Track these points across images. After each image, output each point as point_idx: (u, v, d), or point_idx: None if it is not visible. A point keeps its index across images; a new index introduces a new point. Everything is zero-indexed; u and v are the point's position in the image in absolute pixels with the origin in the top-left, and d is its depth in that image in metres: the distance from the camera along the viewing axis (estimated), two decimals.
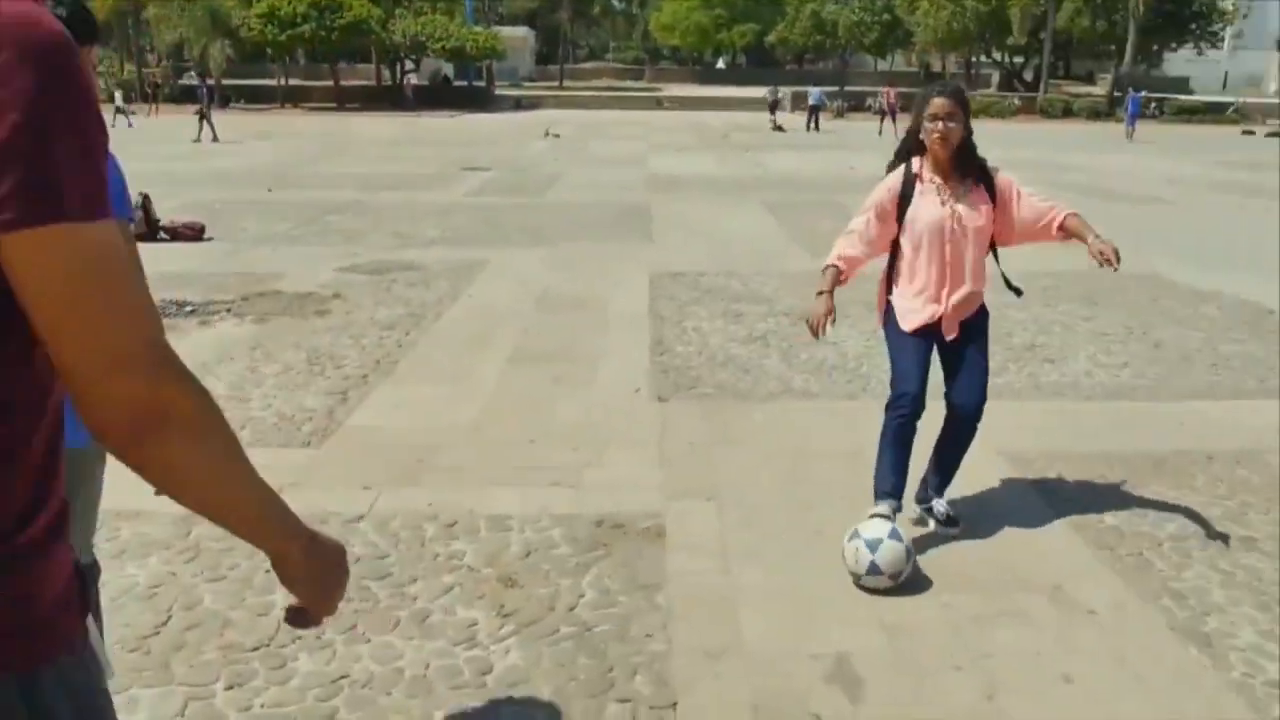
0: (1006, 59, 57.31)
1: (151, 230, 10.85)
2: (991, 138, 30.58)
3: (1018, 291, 4.01)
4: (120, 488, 4.15)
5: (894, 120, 31.66)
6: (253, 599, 3.42)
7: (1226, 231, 12.62)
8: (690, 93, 53.87)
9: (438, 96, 46.72)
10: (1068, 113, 44.83)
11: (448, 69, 52.54)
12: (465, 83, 51.55)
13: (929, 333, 3.82)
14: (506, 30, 59.99)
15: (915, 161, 3.83)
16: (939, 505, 3.99)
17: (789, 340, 6.80)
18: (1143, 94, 38.24)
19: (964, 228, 3.73)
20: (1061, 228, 3.76)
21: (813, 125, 33.09)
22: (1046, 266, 9.53)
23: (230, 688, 2.90)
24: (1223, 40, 56.53)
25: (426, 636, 3.20)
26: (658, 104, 48.42)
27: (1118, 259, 3.54)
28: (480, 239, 11.01)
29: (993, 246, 3.88)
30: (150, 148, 23.70)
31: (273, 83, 47.49)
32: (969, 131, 3.74)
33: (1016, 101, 45.87)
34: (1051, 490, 4.40)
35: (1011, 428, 5.14)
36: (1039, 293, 8.37)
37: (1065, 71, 63.86)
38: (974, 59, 56.79)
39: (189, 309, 7.65)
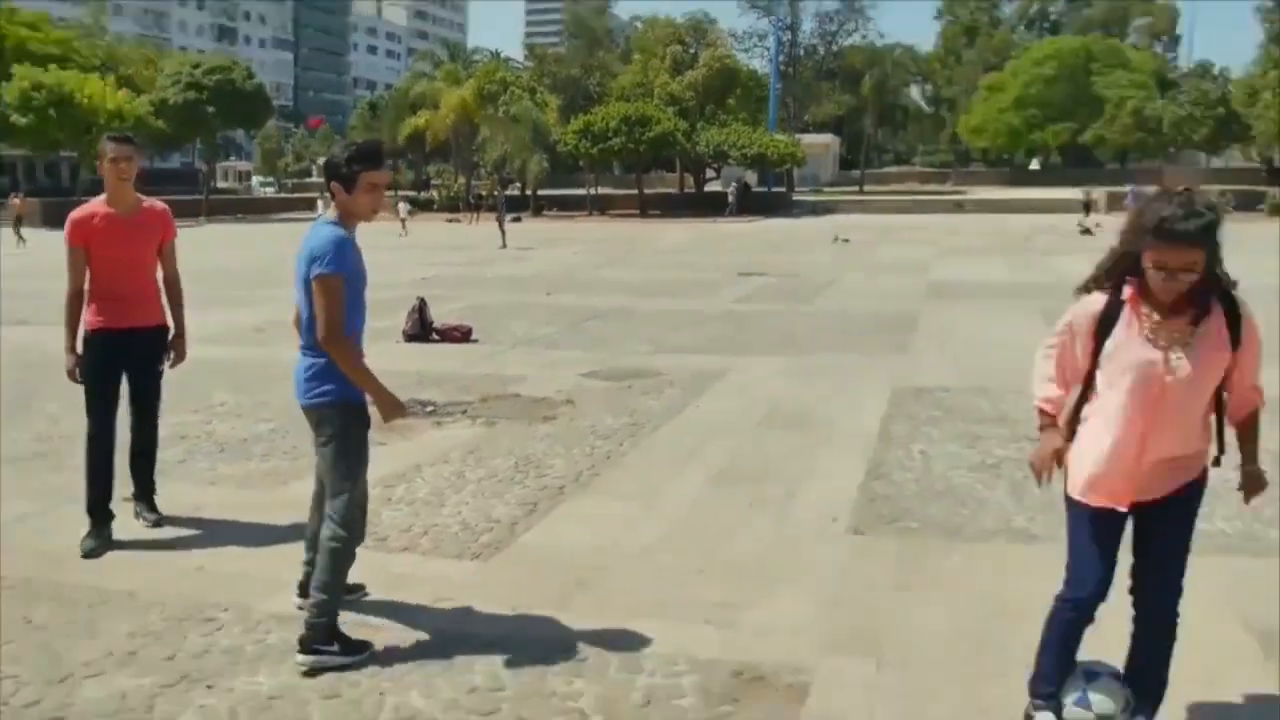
0: None
1: (425, 331, 11.57)
2: None
3: (1216, 461, 3.07)
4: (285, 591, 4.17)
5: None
6: None
7: None
8: (997, 195, 51.89)
9: (736, 203, 47.87)
10: None
11: (750, 176, 53.79)
12: (765, 189, 52.47)
13: (1109, 514, 3.01)
14: (810, 138, 60.67)
15: (1126, 288, 2.93)
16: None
17: (1025, 470, 6.03)
18: None
19: (1180, 380, 2.85)
20: (1241, 421, 3.02)
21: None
22: None
23: None
24: None
25: None
26: (957, 207, 46.95)
27: (1256, 493, 3.08)
28: (728, 347, 10.85)
29: (1218, 400, 2.99)
30: (463, 254, 25.72)
31: (583, 192, 50.54)
32: (1216, 263, 2.82)
33: None
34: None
35: (1270, 593, 4.23)
36: None
37: None
38: None
39: (429, 409, 7.95)
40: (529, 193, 49.06)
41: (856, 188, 59.97)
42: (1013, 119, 63.32)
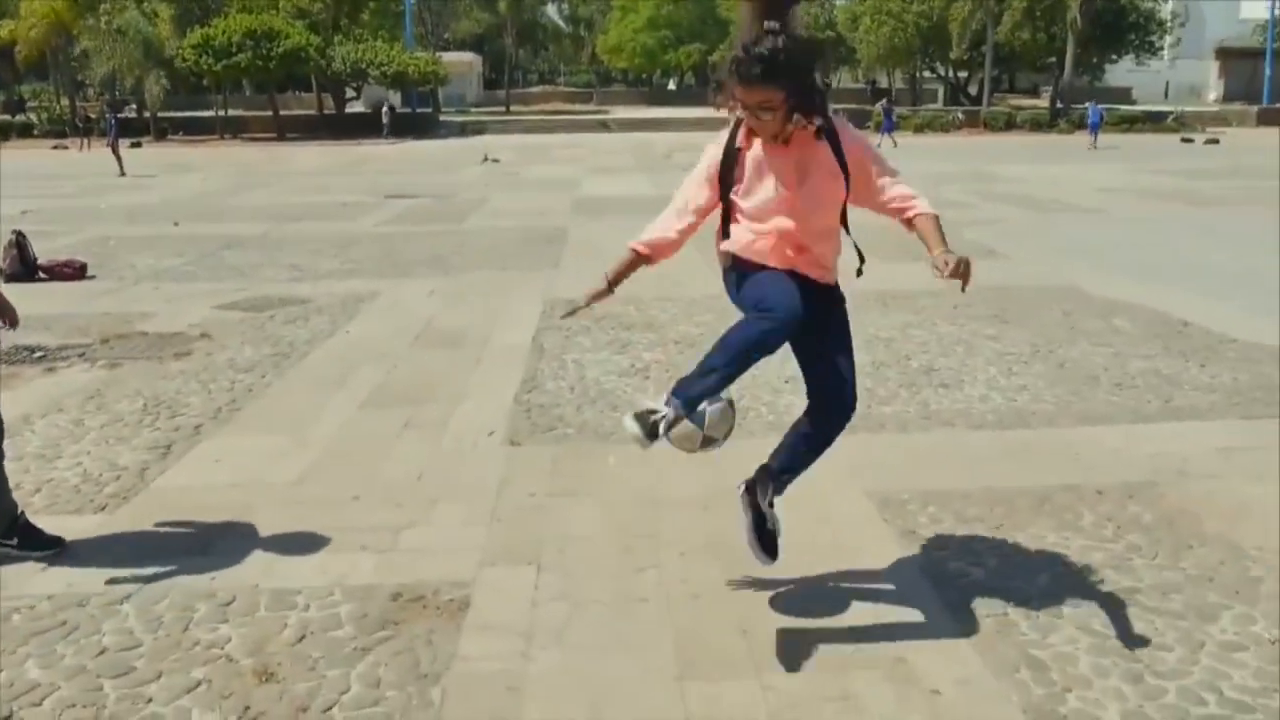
0: (951, 73, 57.64)
1: (29, 270, 10.26)
2: (935, 151, 30.87)
3: (859, 271, 3.30)
4: None
5: None
6: None
7: (1151, 240, 12.36)
8: (638, 115, 53.63)
9: (380, 123, 46.17)
10: (1010, 125, 44.98)
11: (392, 97, 52.01)
12: (410, 109, 50.99)
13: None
14: (451, 56, 59.59)
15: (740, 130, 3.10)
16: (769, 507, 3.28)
17: (674, 371, 6.34)
18: (1089, 104, 38.45)
19: (803, 190, 3.04)
20: (910, 224, 3.15)
21: None
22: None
23: None
24: (1162, 50, 57.14)
25: None
26: (604, 127, 48.10)
27: (967, 275, 2.91)
28: (378, 270, 10.49)
29: (843, 218, 3.19)
30: (73, 183, 22.99)
31: (211, 114, 46.70)
32: (810, 105, 2.93)
33: (960, 115, 45.99)
34: (917, 538, 3.96)
35: (887, 465, 4.72)
36: (946, 309, 8.01)
37: (1010, 85, 64.44)
38: (918, 74, 57.07)
39: (39, 354, 7.08)
40: (148, 115, 44.58)
41: (503, 108, 59.75)
42: (647, 39, 65.36)
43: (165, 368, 6.72)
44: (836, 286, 3.27)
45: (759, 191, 3.11)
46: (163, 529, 4.12)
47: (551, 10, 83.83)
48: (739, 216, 3.17)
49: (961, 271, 2.89)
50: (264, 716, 2.84)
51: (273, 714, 2.85)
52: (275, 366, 6.70)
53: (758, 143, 3.08)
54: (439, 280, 9.82)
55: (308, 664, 3.10)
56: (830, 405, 3.23)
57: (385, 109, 44.27)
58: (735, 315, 3.19)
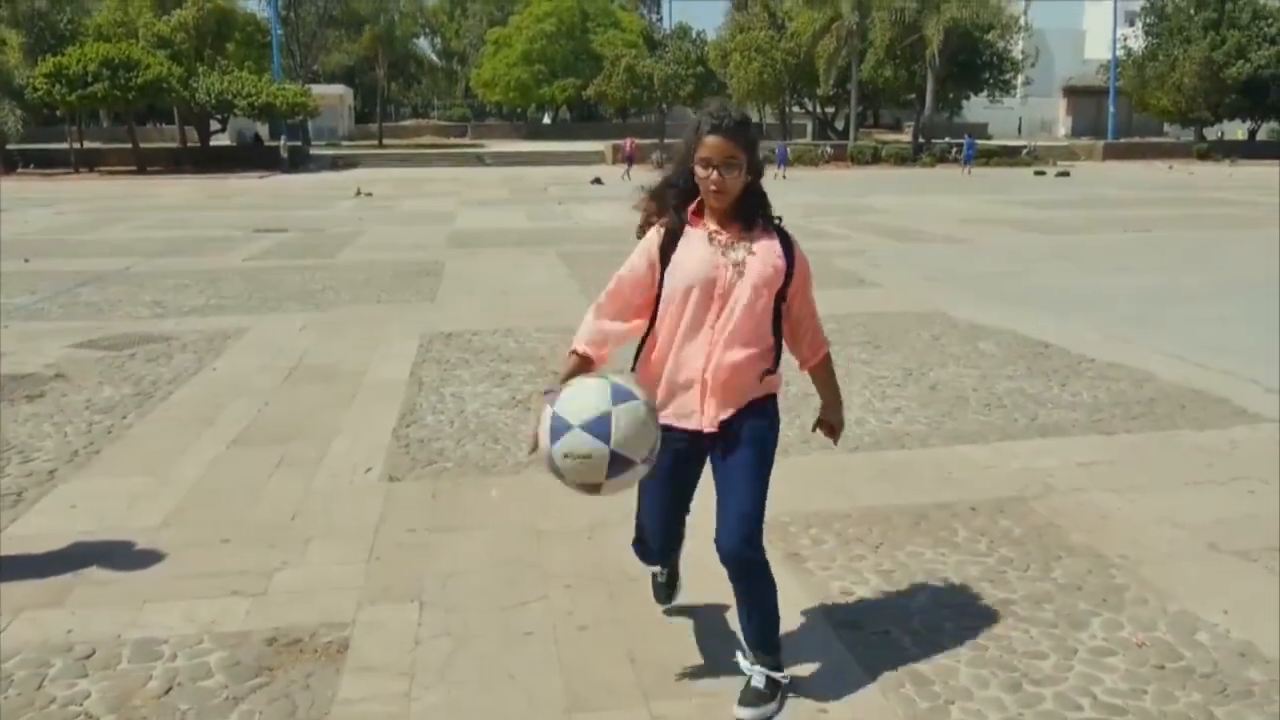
0: (818, 109, 59.36)
1: None
2: (804, 185, 31.59)
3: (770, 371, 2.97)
4: None
5: (629, 169, 35.55)
6: None
7: (1011, 267, 12.90)
8: (514, 148, 53.62)
9: (247, 157, 44.97)
10: (876, 159, 46.50)
11: (260, 129, 50.75)
12: (279, 142, 49.83)
13: (692, 444, 2.90)
14: (321, 88, 58.45)
15: (686, 211, 2.88)
16: (754, 672, 2.94)
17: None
18: (966, 138, 40.07)
19: (742, 277, 2.80)
20: (811, 369, 3.08)
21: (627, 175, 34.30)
22: (830, 309, 9.42)
23: None
24: (1015, 88, 60.05)
25: None
26: (479, 160, 47.88)
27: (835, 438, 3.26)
28: (246, 306, 10.15)
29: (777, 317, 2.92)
30: None
31: (66, 146, 44.71)
32: (757, 173, 2.84)
33: (829, 149, 47.37)
34: (800, 559, 4.00)
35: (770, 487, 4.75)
36: None
37: (875, 120, 66.71)
38: (787, 109, 58.59)
39: None
40: None
41: (375, 141, 58.93)
42: (521, 74, 65.39)
43: (16, 410, 6.35)
44: (766, 400, 2.93)
45: (681, 297, 2.83)
46: (14, 581, 3.86)
47: (424, 43, 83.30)
48: (658, 331, 2.91)
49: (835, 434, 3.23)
50: None
51: None
52: (137, 406, 6.40)
53: (694, 235, 2.86)
54: (311, 315, 9.56)
55: (176, 717, 2.93)
56: (719, 542, 2.89)
57: (283, 140, 43.24)
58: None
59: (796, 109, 60.30)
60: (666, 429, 2.77)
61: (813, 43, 48.81)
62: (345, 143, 58.87)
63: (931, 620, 3.49)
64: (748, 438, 2.87)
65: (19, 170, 42.05)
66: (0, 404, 6.49)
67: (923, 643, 3.34)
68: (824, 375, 3.11)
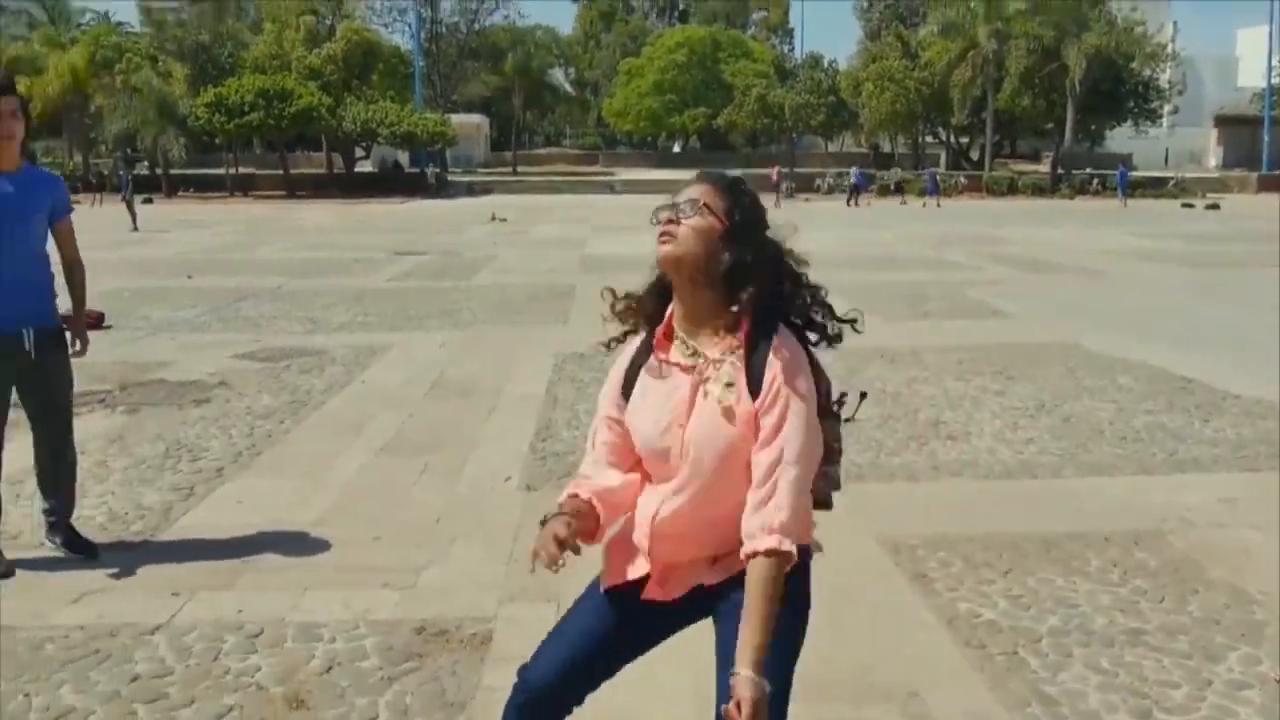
0: (952, 138, 58.42)
1: None
2: (936, 215, 31.09)
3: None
4: None
5: (780, 197, 37.17)
6: None
7: (1152, 301, 12.53)
8: (644, 176, 54.33)
9: (388, 183, 46.79)
10: (1012, 189, 45.54)
11: (400, 156, 52.72)
12: (418, 169, 51.69)
13: (634, 601, 2.18)
14: (459, 117, 60.37)
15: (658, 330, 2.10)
16: None
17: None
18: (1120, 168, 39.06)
19: (732, 414, 1.94)
20: (748, 559, 1.91)
21: (853, 202, 37.75)
22: (960, 339, 9.36)
23: None
24: (1161, 118, 57.99)
25: None
26: (609, 188, 48.70)
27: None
28: (390, 323, 10.65)
29: None
30: (86, 237, 23.23)
31: (223, 171, 47.33)
32: (743, 255, 1.95)
33: (963, 179, 46.58)
34: (927, 580, 4.04)
35: (896, 512, 4.81)
36: (954, 365, 8.14)
37: (1011, 150, 65.22)
38: (920, 139, 57.85)
39: None
40: (159, 172, 45.18)
41: (510, 168, 60.47)
42: (652, 103, 66.31)
43: (185, 414, 6.84)
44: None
45: (640, 424, 2.07)
46: (188, 565, 4.21)
47: (558, 74, 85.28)
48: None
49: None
50: None
51: None
52: (293, 414, 6.82)
53: (653, 370, 2.07)
54: (451, 333, 9.98)
55: (336, 692, 3.18)
56: None
57: (431, 168, 45.14)
58: None
59: (929, 139, 59.48)
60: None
61: (947, 71, 48.20)
62: (481, 170, 60.60)
63: (1060, 645, 3.50)
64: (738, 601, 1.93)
65: (180, 193, 44.66)
66: (171, 407, 7.00)
67: (1051, 666, 3.35)
68: (758, 584, 1.89)
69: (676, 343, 2.04)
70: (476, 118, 68.68)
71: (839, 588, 3.95)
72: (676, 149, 76.20)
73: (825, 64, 62.06)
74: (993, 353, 8.66)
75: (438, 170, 48.16)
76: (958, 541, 4.44)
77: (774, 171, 41.03)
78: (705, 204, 1.99)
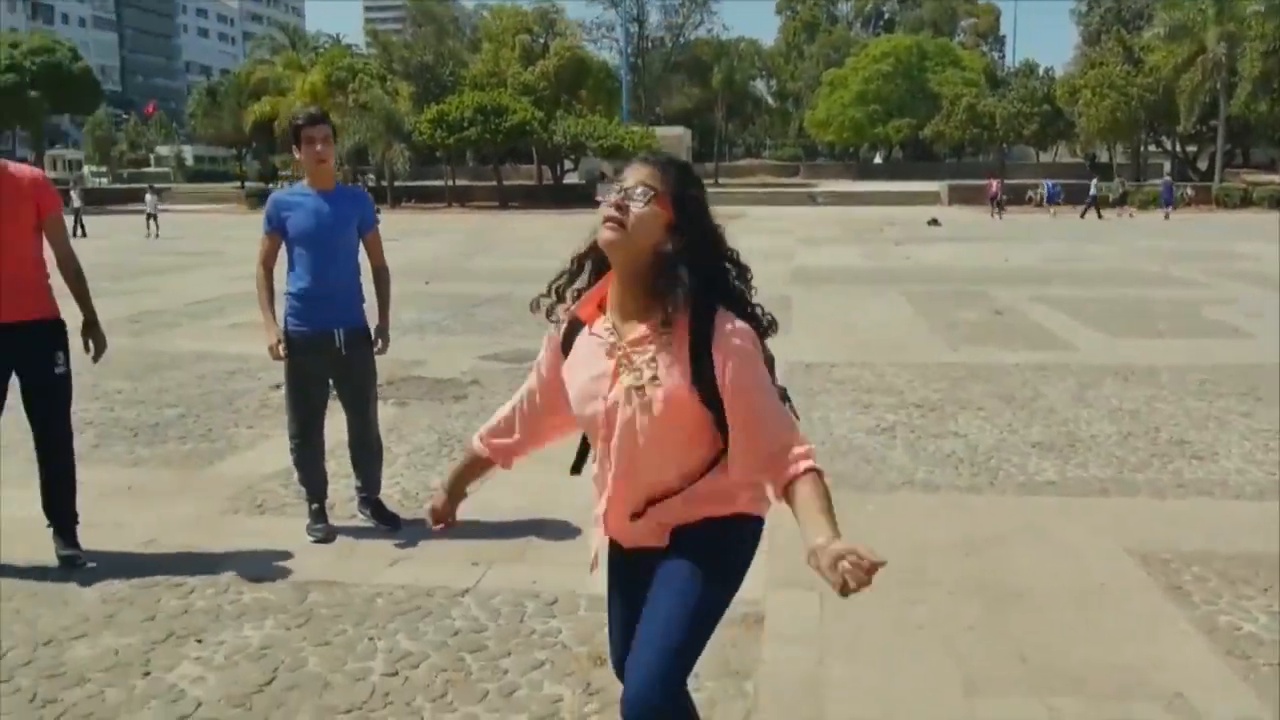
0: (1178, 147, 55.24)
1: None
2: (1164, 228, 29.55)
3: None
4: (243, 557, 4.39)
5: (999, 211, 36.87)
6: (353, 664, 3.53)
7: None
8: (845, 188, 53.93)
9: (596, 194, 48.30)
10: (1246, 201, 42.67)
11: (606, 167, 54.27)
12: None
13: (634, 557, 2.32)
14: (663, 130, 61.62)
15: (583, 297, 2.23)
16: None
17: (917, 431, 6.64)
18: None
19: (647, 411, 2.08)
20: (785, 492, 2.09)
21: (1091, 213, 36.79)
22: (1199, 359, 9.08)
23: None
24: None
25: (511, 709, 3.23)
26: (811, 200, 48.62)
27: (864, 576, 1.89)
28: None
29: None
30: None
31: (440, 183, 50.05)
32: (690, 238, 2.09)
33: (1189, 191, 44.00)
34: (1183, 593, 4.12)
35: (1145, 525, 4.87)
36: (1195, 385, 7.96)
37: (1245, 159, 61.07)
38: (1142, 148, 54.98)
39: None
40: (384, 184, 48.24)
41: (711, 180, 61.26)
42: (856, 113, 65.72)
43: (447, 408, 7.52)
44: (731, 519, 2.25)
45: (571, 389, 2.21)
46: (480, 540, 4.74)
47: (760, 85, 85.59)
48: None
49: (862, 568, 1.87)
50: (603, 692, 3.33)
51: (610, 692, 3.33)
52: None
53: (586, 339, 2.19)
54: None
55: None
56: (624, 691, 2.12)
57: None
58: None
59: (1152, 147, 56.43)
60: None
61: (1174, 77, 45.64)
62: None
63: None
64: (686, 548, 2.18)
65: (403, 204, 47.52)
66: (434, 401, 7.71)
67: None
68: (816, 494, 2.08)
69: (603, 318, 2.16)
70: (679, 130, 69.81)
71: (1094, 592, 4.10)
72: (878, 160, 75.15)
73: (1040, 71, 59.91)
74: (1236, 373, 8.38)
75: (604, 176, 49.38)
76: (1210, 558, 4.46)
77: (991, 183, 39.96)
78: (655, 191, 2.04)
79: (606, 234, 2.04)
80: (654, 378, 2.06)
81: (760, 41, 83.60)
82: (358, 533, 4.92)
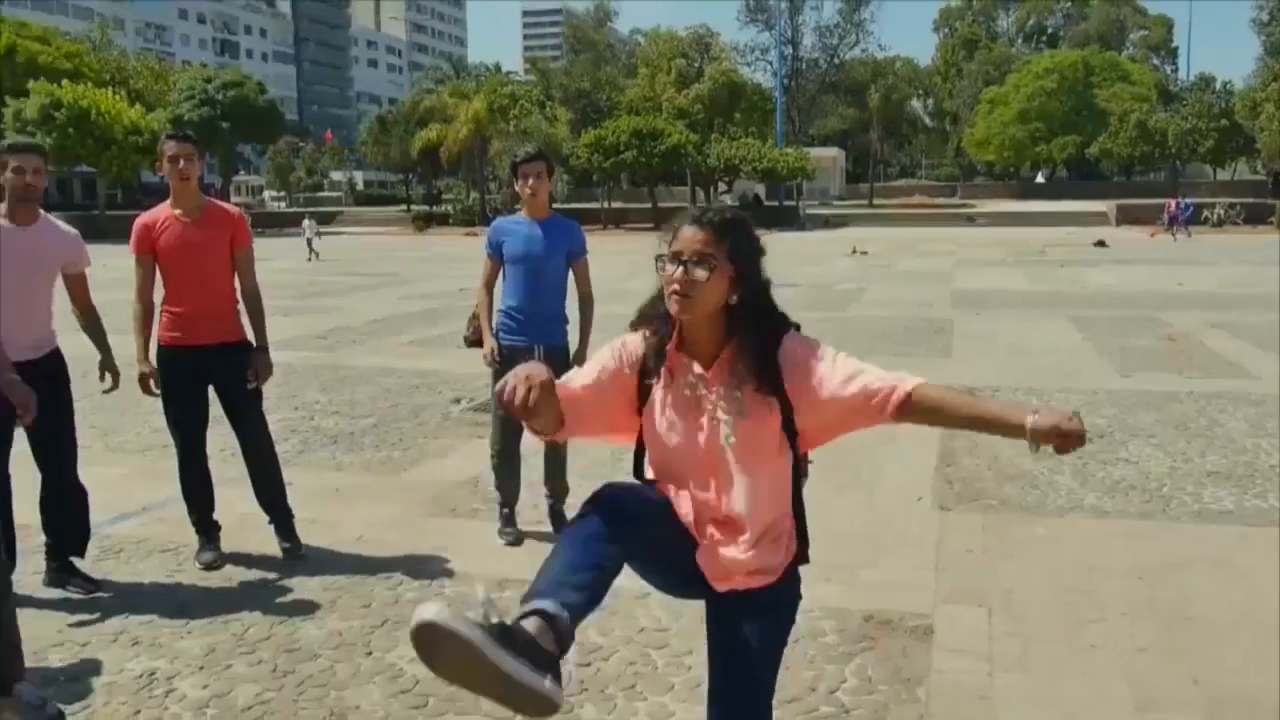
0: None
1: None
2: None
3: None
4: (441, 556, 4.75)
5: (1174, 232, 35.31)
6: None
7: None
8: (1005, 208, 52.56)
9: (749, 216, 48.47)
10: None
11: (759, 189, 54.50)
12: (776, 202, 53.21)
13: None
14: (817, 151, 61.50)
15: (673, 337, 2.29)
16: None
17: (1085, 458, 6.60)
18: None
19: (735, 448, 2.25)
20: (905, 405, 2.19)
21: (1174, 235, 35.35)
22: None
23: None
24: None
25: (696, 701, 3.48)
26: (969, 220, 47.60)
27: (1076, 437, 2.04)
28: None
29: (797, 470, 2.37)
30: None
31: (595, 206, 51.19)
32: (751, 287, 2.24)
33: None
34: None
35: None
36: None
37: None
38: None
39: None
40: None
41: (865, 201, 60.66)
42: (1017, 132, 64.07)
43: None
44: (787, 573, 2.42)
45: (659, 429, 2.31)
46: None
47: (917, 105, 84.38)
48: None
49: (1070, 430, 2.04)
50: (781, 689, 3.55)
51: (788, 689, 3.56)
52: None
53: (670, 383, 2.30)
54: None
55: (807, 657, 3.81)
56: None
57: (802, 202, 47.08)
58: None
59: None
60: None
61: None
62: (836, 202, 61.25)
63: None
64: (760, 614, 2.37)
65: None
66: None
67: None
68: (946, 393, 2.25)
69: (684, 360, 2.27)
70: (833, 151, 69.50)
71: (1273, 621, 4.09)
72: (1040, 179, 72.89)
73: (1217, 84, 57.13)
74: None
75: (788, 204, 49.57)
76: None
77: (1170, 203, 38.18)
78: (714, 261, 2.17)
79: (674, 306, 2.18)
80: (740, 412, 2.23)
81: (916, 60, 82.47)
82: (543, 538, 5.27)
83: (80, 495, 4.56)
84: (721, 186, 52.78)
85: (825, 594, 4.40)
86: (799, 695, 3.52)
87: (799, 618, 4.08)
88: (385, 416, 8.18)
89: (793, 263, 26.13)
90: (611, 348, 2.34)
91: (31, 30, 56.95)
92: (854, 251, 28.78)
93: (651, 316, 2.29)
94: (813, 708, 3.44)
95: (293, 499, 5.13)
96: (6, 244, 4.12)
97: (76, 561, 4.59)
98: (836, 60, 75.21)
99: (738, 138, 50.31)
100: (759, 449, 2.24)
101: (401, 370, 10.27)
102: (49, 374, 4.28)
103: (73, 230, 4.60)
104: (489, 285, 5.25)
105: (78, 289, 4.61)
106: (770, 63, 70.83)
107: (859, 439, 7.27)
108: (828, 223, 47.32)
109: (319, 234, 32.43)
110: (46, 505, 4.51)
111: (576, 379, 2.30)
